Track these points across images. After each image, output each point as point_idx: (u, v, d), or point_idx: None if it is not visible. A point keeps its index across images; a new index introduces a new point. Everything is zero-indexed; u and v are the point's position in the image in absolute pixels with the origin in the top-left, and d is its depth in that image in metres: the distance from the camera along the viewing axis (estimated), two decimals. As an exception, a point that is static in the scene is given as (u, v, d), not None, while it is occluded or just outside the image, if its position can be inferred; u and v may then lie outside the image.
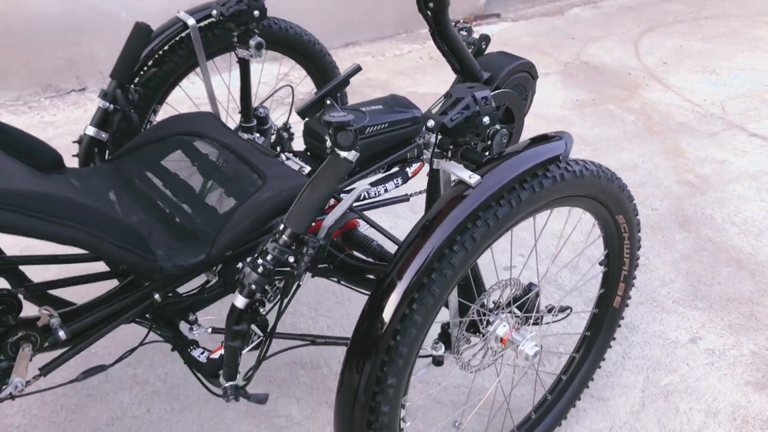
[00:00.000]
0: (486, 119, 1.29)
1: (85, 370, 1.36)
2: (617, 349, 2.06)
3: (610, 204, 1.45)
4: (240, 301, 1.17)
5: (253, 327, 1.18)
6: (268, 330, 1.21)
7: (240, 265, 1.34)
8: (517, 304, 1.50)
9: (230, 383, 1.30)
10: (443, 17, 1.71)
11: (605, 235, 1.55)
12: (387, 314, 1.14)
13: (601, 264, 1.63)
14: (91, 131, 1.63)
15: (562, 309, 1.64)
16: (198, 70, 1.91)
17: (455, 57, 1.80)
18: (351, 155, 1.14)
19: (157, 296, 1.37)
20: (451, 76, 2.03)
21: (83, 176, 1.46)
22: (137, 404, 1.75)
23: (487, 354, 1.51)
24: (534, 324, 1.57)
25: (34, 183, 1.27)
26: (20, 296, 1.30)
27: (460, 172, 1.19)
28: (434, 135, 1.28)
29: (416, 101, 1.94)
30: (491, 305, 1.47)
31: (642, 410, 1.86)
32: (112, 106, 1.63)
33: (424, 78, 4.11)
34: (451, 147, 1.30)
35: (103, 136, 1.64)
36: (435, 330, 1.34)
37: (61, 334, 1.29)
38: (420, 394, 1.84)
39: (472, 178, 1.17)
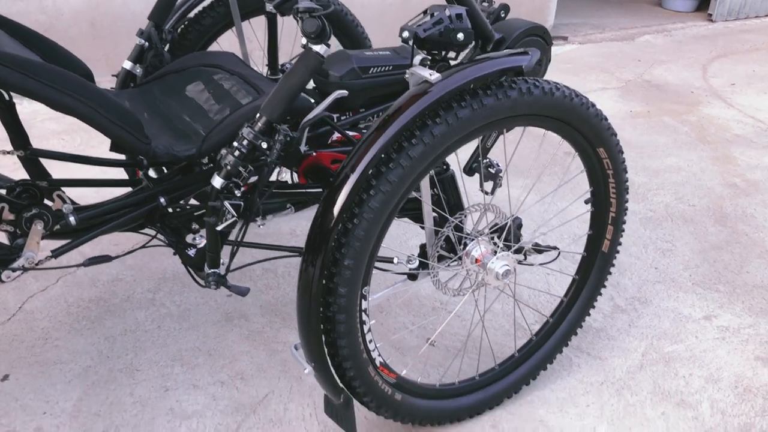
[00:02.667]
0: (460, 35, 1.38)
1: (91, 258, 1.51)
2: (623, 318, 2.05)
3: (588, 133, 1.49)
4: (217, 181, 1.30)
5: (227, 205, 1.30)
6: (242, 213, 1.32)
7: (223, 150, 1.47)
8: (495, 230, 1.55)
9: (212, 270, 1.42)
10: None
11: (588, 170, 1.59)
12: (340, 202, 1.23)
13: (587, 203, 1.66)
14: (128, 65, 1.82)
15: (550, 248, 1.67)
16: (234, 29, 2.09)
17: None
18: (321, 49, 1.25)
19: (162, 200, 1.52)
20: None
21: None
22: (150, 321, 1.89)
23: (465, 277, 1.56)
24: (518, 257, 1.61)
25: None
26: (41, 187, 1.47)
27: (423, 72, 1.28)
28: (411, 48, 1.38)
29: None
30: (472, 230, 1.53)
31: (639, 371, 1.83)
32: (146, 43, 1.81)
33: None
34: (429, 62, 1.40)
35: (138, 70, 1.83)
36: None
37: (72, 219, 1.44)
38: (404, 330, 1.90)
39: (432, 75, 1.26)
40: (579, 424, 1.65)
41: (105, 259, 1.55)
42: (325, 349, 1.33)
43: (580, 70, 4.64)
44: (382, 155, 1.23)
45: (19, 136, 1.46)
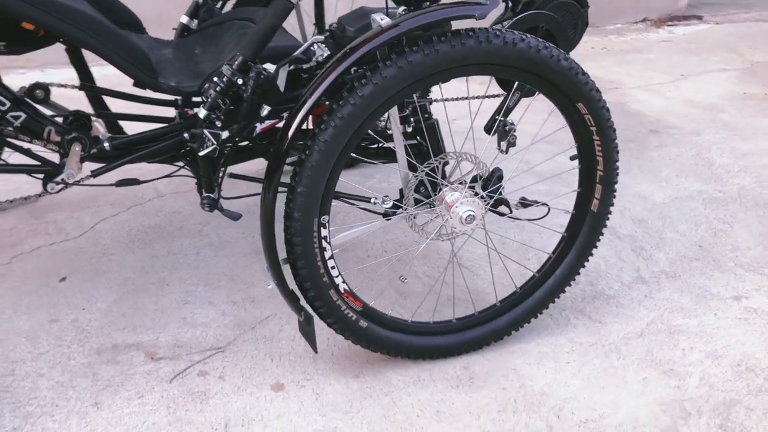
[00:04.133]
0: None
1: (121, 179, 1.76)
2: (642, 289, 2.01)
3: (563, 87, 1.51)
4: (201, 113, 1.49)
5: (207, 133, 1.49)
6: (220, 141, 1.51)
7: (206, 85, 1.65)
8: (473, 179, 1.62)
9: (206, 195, 1.62)
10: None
11: (570, 126, 1.60)
12: (290, 131, 1.37)
13: (572, 159, 1.66)
14: (184, 20, 2.07)
15: (538, 203, 1.70)
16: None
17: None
18: (291, -3, 1.40)
19: (186, 135, 1.74)
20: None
21: (152, 40, 1.88)
22: (192, 248, 2.15)
23: (439, 221, 1.64)
24: (499, 210, 1.67)
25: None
26: (93, 119, 1.74)
27: (377, 18, 1.39)
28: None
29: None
30: (449, 177, 1.61)
31: (636, 338, 1.81)
32: (201, 0, 2.05)
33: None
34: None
35: (193, 24, 2.07)
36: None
37: (106, 145, 1.70)
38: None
39: (383, 21, 1.36)
40: (552, 377, 1.68)
41: (134, 181, 1.80)
42: (286, 270, 1.48)
43: (704, 50, 4.38)
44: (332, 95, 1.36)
45: (83, 74, 1.75)
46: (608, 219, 1.72)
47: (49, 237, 2.19)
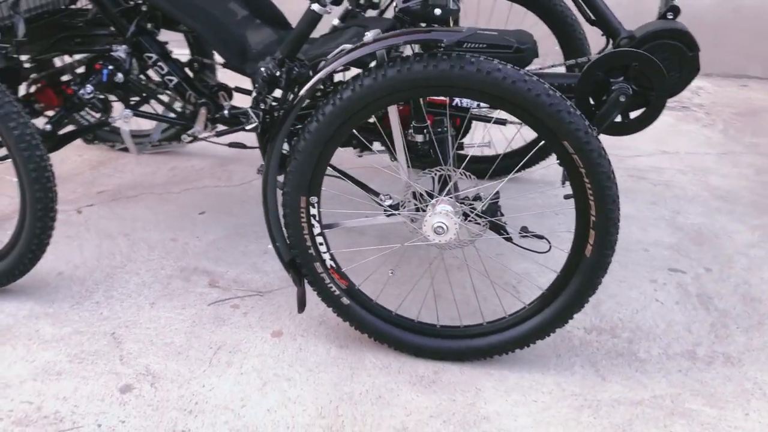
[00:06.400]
0: (437, 11, 1.57)
1: (231, 142, 2.19)
2: (682, 364, 1.82)
3: (546, 122, 1.50)
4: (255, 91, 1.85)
5: (251, 112, 1.83)
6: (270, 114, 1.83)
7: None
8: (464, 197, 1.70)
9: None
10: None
11: (560, 162, 1.57)
12: (286, 123, 1.65)
13: (567, 198, 1.62)
14: (335, 22, 2.42)
15: (537, 236, 1.70)
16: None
17: (588, 5, 1.91)
18: (316, 7, 1.65)
19: None
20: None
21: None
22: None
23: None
24: (496, 232, 1.71)
25: (240, 20, 2.17)
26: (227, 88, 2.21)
27: (368, 33, 1.57)
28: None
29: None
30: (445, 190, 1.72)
31: (628, 405, 1.68)
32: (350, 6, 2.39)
33: None
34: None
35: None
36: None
37: (226, 113, 2.15)
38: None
39: (367, 37, 1.54)
40: (507, 408, 1.67)
41: (241, 145, 2.22)
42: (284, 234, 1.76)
43: None
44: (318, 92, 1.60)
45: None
46: (605, 269, 1.63)
47: (218, 180, 2.78)
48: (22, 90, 2.23)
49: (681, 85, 1.96)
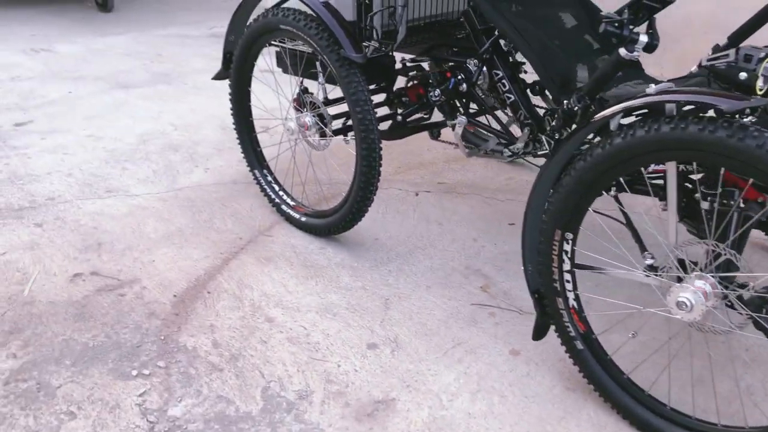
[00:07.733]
0: (743, 75, 1.42)
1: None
2: None
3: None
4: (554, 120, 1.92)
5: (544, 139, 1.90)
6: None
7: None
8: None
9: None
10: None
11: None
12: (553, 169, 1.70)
13: None
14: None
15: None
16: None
17: None
18: (623, 52, 1.65)
19: None
20: None
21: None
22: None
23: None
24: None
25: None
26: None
27: (653, 85, 1.51)
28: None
29: None
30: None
31: None
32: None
33: None
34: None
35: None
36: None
37: (544, 138, 2.25)
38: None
39: (650, 88, 1.50)
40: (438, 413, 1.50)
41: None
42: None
43: None
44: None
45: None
46: None
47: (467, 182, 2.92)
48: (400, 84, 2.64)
49: None
